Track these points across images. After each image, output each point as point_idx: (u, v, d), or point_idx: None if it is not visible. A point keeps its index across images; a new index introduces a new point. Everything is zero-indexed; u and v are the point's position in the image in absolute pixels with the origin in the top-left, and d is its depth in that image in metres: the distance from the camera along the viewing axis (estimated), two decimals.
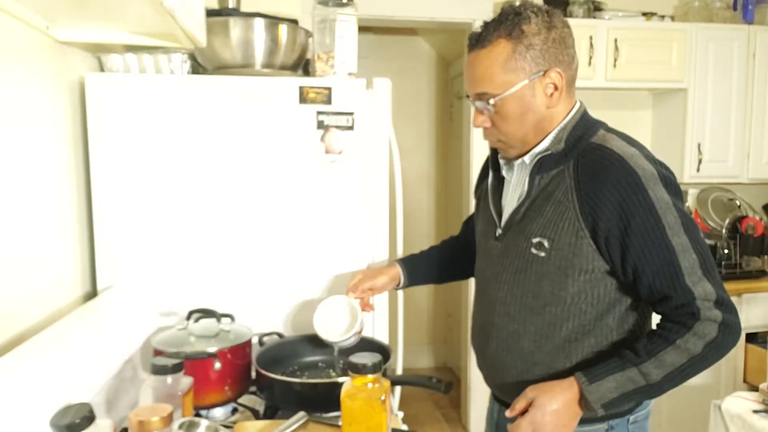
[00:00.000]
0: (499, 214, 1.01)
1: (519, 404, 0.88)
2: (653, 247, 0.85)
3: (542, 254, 0.92)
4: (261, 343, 1.22)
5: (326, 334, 1.14)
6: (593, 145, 0.91)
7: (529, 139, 0.95)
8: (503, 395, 1.04)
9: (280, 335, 1.27)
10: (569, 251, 0.89)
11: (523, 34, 0.89)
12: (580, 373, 0.88)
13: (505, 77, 0.90)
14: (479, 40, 0.93)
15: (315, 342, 1.23)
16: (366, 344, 1.20)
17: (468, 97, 0.98)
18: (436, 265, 1.25)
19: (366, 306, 1.17)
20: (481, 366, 1.08)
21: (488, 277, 1.02)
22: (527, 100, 0.92)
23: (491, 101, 0.92)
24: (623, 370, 0.85)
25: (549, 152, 0.94)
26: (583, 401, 0.86)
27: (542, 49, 0.90)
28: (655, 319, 0.94)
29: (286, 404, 1.05)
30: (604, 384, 0.85)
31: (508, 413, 0.90)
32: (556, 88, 0.92)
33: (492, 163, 1.06)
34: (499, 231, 1.00)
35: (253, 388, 1.15)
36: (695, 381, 2.84)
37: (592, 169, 0.89)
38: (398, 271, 1.20)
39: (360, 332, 1.16)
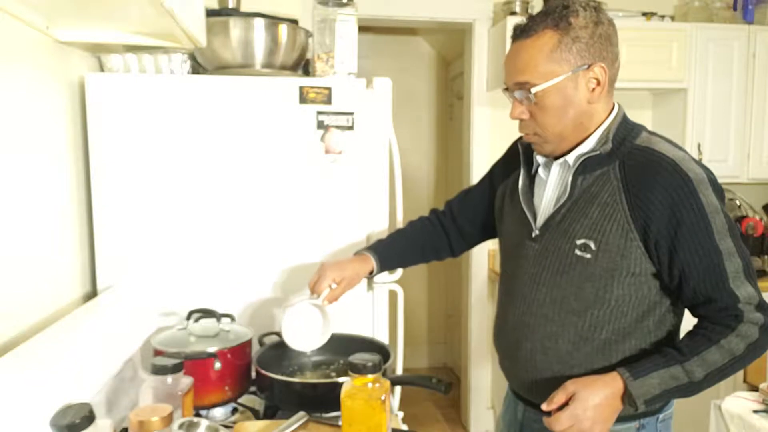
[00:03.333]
0: (533, 214, 0.99)
1: (558, 397, 0.87)
2: (701, 250, 0.86)
3: (588, 256, 0.90)
4: (261, 343, 1.22)
5: (300, 344, 1.10)
6: (640, 147, 0.91)
7: (566, 134, 0.93)
8: (534, 396, 1.00)
9: (280, 335, 1.27)
10: (617, 253, 0.89)
11: (570, 26, 0.88)
12: (624, 369, 0.87)
13: (549, 67, 0.89)
14: (525, 30, 0.91)
15: None
16: (366, 344, 1.20)
17: (506, 89, 0.95)
18: (408, 252, 1.21)
19: (333, 299, 1.11)
20: (508, 367, 1.06)
21: (522, 278, 0.99)
22: (569, 93, 0.90)
23: (533, 91, 0.90)
24: (667, 367, 0.86)
25: (597, 152, 0.92)
26: (626, 396, 0.86)
27: (588, 43, 0.89)
28: (689, 320, 0.94)
29: (286, 404, 1.05)
30: (649, 380, 0.85)
31: (544, 406, 0.88)
32: (598, 83, 0.91)
33: (525, 161, 1.03)
34: (535, 232, 0.98)
35: (253, 388, 1.15)
36: None
37: (642, 171, 0.88)
38: (372, 264, 1.15)
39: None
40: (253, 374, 1.14)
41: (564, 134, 0.93)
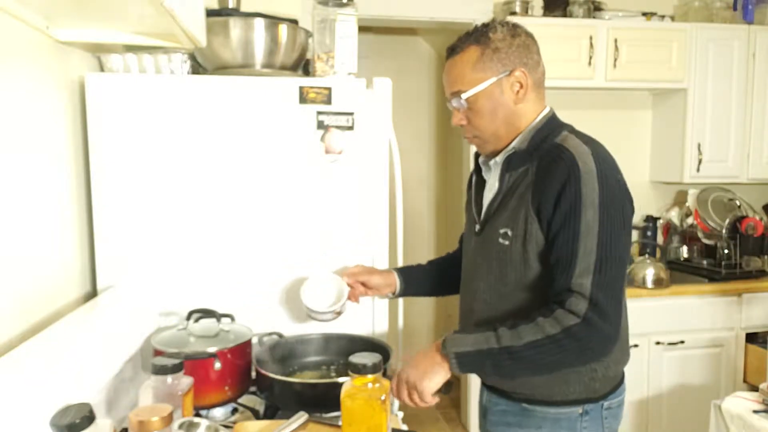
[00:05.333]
0: (479, 212, 1.09)
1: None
2: (563, 236, 0.92)
3: (506, 243, 1.00)
4: (261, 343, 1.22)
5: (308, 301, 1.18)
6: (554, 145, 0.99)
7: (501, 133, 1.03)
8: (487, 380, 1.10)
9: (280, 335, 1.27)
10: (524, 238, 0.97)
11: (489, 39, 1.01)
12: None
13: (474, 76, 1.01)
14: (453, 49, 1.04)
15: (315, 342, 1.23)
16: (367, 344, 1.20)
17: (449, 103, 1.06)
18: (430, 279, 1.28)
19: (353, 296, 1.21)
20: None
21: (469, 270, 1.10)
22: (496, 97, 1.01)
23: (463, 96, 1.01)
24: (485, 331, 0.94)
25: (513, 150, 1.02)
26: (443, 347, 0.95)
27: (507, 52, 1.00)
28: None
29: (287, 404, 1.05)
30: (465, 338, 0.95)
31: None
32: (521, 86, 1.01)
33: (475, 166, 1.14)
34: (477, 227, 1.08)
35: (253, 388, 1.15)
36: (695, 381, 2.82)
37: (547, 164, 0.97)
38: (395, 278, 1.24)
39: (339, 313, 1.19)
40: (253, 374, 1.14)
41: (498, 134, 1.03)
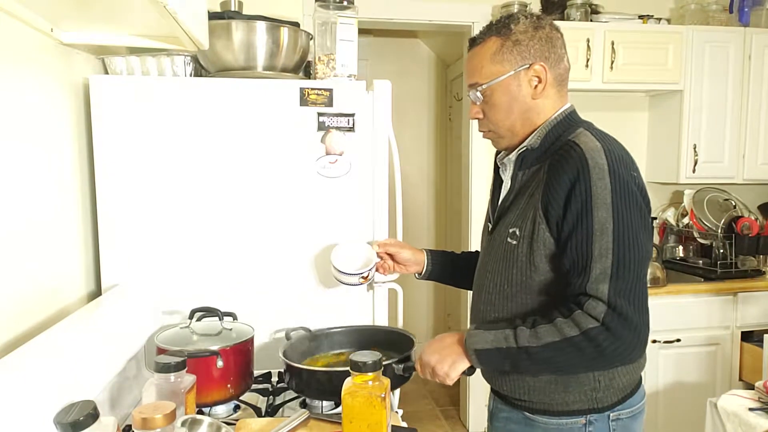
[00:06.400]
0: (494, 211, 1.08)
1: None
2: (576, 237, 0.89)
3: (514, 242, 0.98)
4: (288, 337, 1.23)
5: (337, 262, 1.22)
6: (567, 142, 0.94)
7: (516, 129, 1.01)
8: (494, 384, 1.08)
9: (306, 330, 1.27)
10: (531, 239, 0.95)
11: (510, 31, 0.98)
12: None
13: (492, 68, 0.99)
14: (475, 39, 1.03)
15: (341, 334, 1.27)
16: (390, 334, 1.23)
17: (467, 95, 1.04)
18: (458, 268, 1.26)
19: (381, 268, 1.25)
20: None
21: (480, 269, 1.09)
22: (513, 90, 0.99)
23: (479, 89, 1.00)
24: (504, 329, 0.93)
25: (525, 148, 1.00)
26: (465, 342, 0.95)
27: (528, 45, 0.98)
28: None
29: (311, 392, 1.08)
30: (485, 334, 0.94)
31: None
32: (540, 80, 0.98)
33: (495, 166, 1.12)
34: (490, 226, 1.07)
35: (255, 386, 1.16)
36: (691, 378, 2.82)
37: (558, 162, 0.93)
38: (423, 257, 1.25)
39: (365, 279, 1.23)
40: (255, 372, 1.14)
41: (514, 129, 1.01)
